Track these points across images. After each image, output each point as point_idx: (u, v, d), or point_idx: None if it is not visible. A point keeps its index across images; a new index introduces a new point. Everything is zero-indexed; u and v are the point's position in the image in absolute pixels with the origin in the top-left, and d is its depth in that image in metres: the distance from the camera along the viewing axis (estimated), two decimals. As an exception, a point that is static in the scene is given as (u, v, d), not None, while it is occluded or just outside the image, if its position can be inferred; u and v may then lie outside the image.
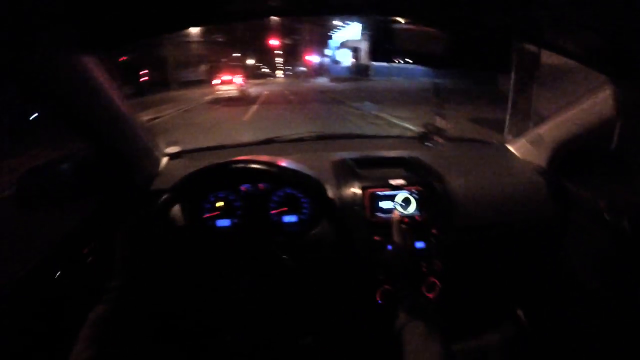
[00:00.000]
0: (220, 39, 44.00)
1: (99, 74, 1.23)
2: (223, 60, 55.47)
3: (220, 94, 22.34)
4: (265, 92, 26.27)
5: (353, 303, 1.58)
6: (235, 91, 22.79)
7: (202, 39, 42.41)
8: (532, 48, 5.38)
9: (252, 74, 67.05)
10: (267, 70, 74.01)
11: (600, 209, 1.48)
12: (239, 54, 60.47)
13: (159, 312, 1.50)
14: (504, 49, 1.28)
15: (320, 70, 53.58)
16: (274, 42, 43.79)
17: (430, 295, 1.42)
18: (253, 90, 28.20)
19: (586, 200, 1.57)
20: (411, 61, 1.32)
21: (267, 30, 45.98)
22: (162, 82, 31.28)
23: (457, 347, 1.69)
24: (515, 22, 1.12)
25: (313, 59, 48.19)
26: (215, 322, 1.64)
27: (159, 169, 1.71)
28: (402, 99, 15.98)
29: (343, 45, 44.59)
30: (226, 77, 24.29)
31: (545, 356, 1.71)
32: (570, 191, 1.64)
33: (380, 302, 1.36)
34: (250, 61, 67.26)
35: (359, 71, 39.37)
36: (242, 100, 21.09)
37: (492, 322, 1.80)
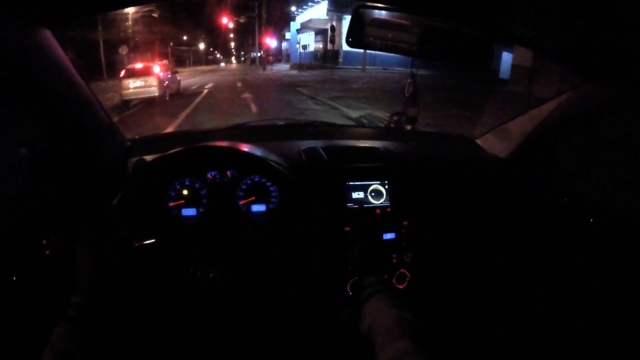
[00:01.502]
0: (158, 16, 36.66)
1: (57, 50, 1.15)
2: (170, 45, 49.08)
3: (128, 94, 13.69)
4: (208, 87, 19.12)
5: (323, 294, 1.49)
6: (152, 89, 13.79)
7: (139, 16, 34.83)
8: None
9: (200, 60, 60.73)
10: (219, 56, 67.32)
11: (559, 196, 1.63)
12: (185, 37, 53.52)
13: (128, 310, 1.38)
14: (483, 44, 1.22)
15: (279, 56, 46.58)
16: (225, 20, 36.34)
17: (401, 287, 1.52)
18: (193, 83, 21.55)
19: (545, 187, 1.70)
20: (389, 50, 1.27)
21: (219, 8, 38.70)
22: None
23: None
24: (492, 17, 1.13)
25: (272, 42, 41.15)
26: (184, 317, 1.47)
27: (122, 153, 1.60)
28: (385, 97, 12.90)
29: (305, 26, 38.37)
30: (138, 66, 15.35)
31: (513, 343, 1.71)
32: (530, 180, 1.73)
33: (350, 293, 1.43)
34: (201, 45, 60.77)
35: (325, 58, 33.93)
36: (160, 106, 13.32)
37: (462, 311, 1.76)
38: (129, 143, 1.67)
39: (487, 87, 12.94)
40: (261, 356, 1.57)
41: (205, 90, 17.27)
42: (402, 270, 1.52)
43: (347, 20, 27.00)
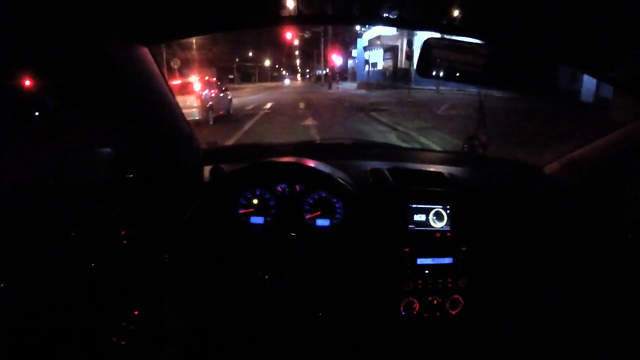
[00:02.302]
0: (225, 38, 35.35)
1: (151, 64, 1.31)
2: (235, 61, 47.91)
3: None
4: (266, 108, 16.45)
5: (377, 311, 1.53)
6: (192, 110, 10.78)
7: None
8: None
9: (265, 76, 59.44)
10: (284, 73, 65.87)
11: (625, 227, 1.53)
12: (251, 54, 52.19)
13: (200, 311, 1.53)
14: (549, 71, 1.24)
15: (345, 74, 43.87)
16: (289, 36, 34.11)
17: (453, 312, 1.49)
18: (251, 101, 18.96)
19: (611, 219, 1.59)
20: (456, 80, 1.27)
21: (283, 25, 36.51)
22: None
23: None
24: (561, 46, 1.14)
25: (337, 60, 38.50)
26: (243, 317, 1.57)
27: (198, 160, 1.73)
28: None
29: (373, 43, 35.26)
30: (175, 82, 12.51)
31: None
32: (597, 209, 1.64)
33: (403, 313, 1.44)
34: (266, 62, 59.49)
35: (396, 76, 30.85)
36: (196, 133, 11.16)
37: (512, 343, 1.69)
38: (203, 151, 1.78)
39: (573, 114, 10.72)
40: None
41: (261, 113, 14.53)
42: (456, 295, 1.50)
43: (417, 36, 24.23)
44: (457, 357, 1.61)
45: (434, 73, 1.26)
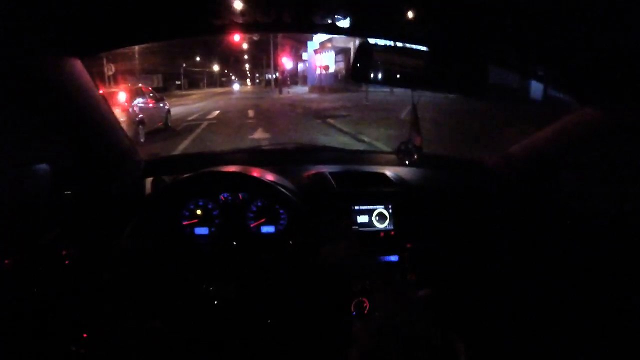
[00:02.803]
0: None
1: (85, 78, 1.29)
2: (182, 67, 45.78)
3: None
4: (211, 117, 14.67)
5: (327, 313, 1.48)
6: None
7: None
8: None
9: (214, 82, 57.51)
10: (233, 78, 63.99)
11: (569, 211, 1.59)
12: (198, 59, 50.11)
13: (142, 327, 1.42)
14: (481, 73, 1.23)
15: (295, 77, 42.42)
16: (237, 38, 32.41)
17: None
18: (195, 110, 17.23)
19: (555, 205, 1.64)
20: (391, 84, 1.32)
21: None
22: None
23: None
24: (492, 46, 1.19)
25: (287, 63, 37.03)
26: (191, 330, 1.49)
27: (140, 173, 1.70)
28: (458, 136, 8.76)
29: (325, 45, 34.21)
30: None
31: None
32: (536, 197, 1.69)
33: (354, 313, 1.35)
34: (215, 67, 57.50)
35: (347, 79, 28.59)
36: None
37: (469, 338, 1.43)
38: (144, 163, 1.75)
39: (520, 113, 9.33)
40: None
41: (205, 124, 12.74)
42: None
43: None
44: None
45: (371, 76, 1.23)
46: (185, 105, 20.61)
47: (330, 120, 12.32)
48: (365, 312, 1.32)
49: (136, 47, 30.60)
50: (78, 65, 1.25)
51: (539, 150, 1.66)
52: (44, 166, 1.34)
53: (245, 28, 1.36)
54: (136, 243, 1.36)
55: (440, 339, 0.95)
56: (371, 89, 24.46)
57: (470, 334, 1.47)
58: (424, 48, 1.27)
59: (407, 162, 1.88)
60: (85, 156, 1.42)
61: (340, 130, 10.64)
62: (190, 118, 14.25)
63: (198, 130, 11.39)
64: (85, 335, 1.28)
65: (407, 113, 12.11)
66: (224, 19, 1.24)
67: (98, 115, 1.39)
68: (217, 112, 16.25)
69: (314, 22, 1.31)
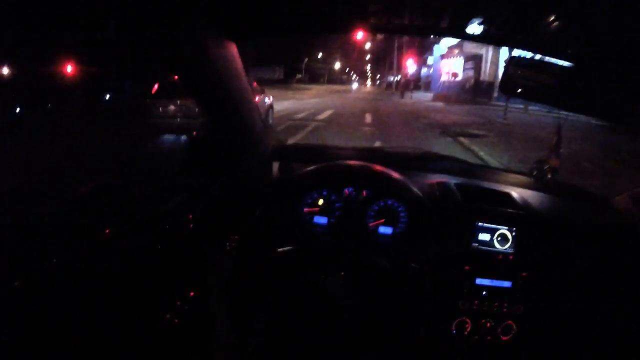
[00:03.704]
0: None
1: (237, 59, 1.33)
2: (304, 60, 45.52)
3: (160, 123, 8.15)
4: (322, 117, 13.14)
5: (428, 326, 1.51)
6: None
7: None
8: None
9: (334, 79, 56.81)
10: (354, 77, 62.73)
11: None
12: (320, 55, 49.52)
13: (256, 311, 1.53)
14: (635, 99, 1.09)
15: (417, 82, 39.59)
16: (360, 36, 30.59)
17: (504, 338, 1.45)
18: (307, 107, 15.58)
19: None
20: (538, 101, 1.25)
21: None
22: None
23: None
24: None
25: (411, 67, 34.40)
26: (294, 314, 1.56)
27: (268, 156, 1.74)
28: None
29: (453, 50, 30.76)
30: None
31: None
32: None
33: (454, 332, 1.42)
34: (336, 65, 56.71)
35: (477, 90, 25.99)
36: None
37: None
38: (272, 148, 1.77)
39: None
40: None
41: (311, 126, 10.92)
42: (509, 321, 1.45)
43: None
44: None
45: (518, 91, 1.19)
46: (299, 100, 19.32)
47: (463, 140, 9.83)
48: (466, 332, 1.41)
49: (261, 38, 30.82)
50: (233, 48, 1.29)
51: None
52: (183, 137, 1.51)
53: (376, 29, 1.40)
54: (260, 220, 1.39)
55: None
56: (501, 102, 21.24)
57: None
58: (568, 64, 1.13)
59: (539, 183, 1.79)
60: (224, 134, 1.43)
61: (477, 155, 8.15)
62: (298, 116, 12.63)
63: (301, 135, 9.64)
64: (192, 294, 1.30)
65: (566, 144, 9.34)
66: (361, 20, 1.28)
67: (242, 98, 1.39)
68: (330, 112, 14.48)
69: (446, 26, 1.27)
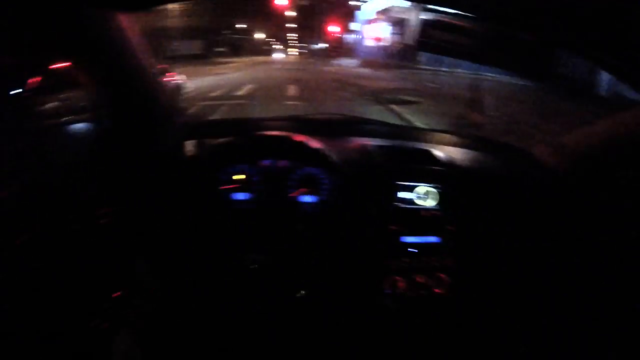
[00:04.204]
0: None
1: (133, 34, 1.21)
2: (225, 32, 43.25)
3: None
4: (239, 93, 11.54)
5: (360, 289, 1.50)
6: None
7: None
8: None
9: (257, 50, 55.02)
10: (277, 47, 60.99)
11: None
12: (241, 26, 47.33)
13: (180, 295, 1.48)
14: (546, 55, 1.17)
15: (344, 49, 38.65)
16: (283, 1, 29.17)
17: (438, 291, 1.46)
18: (224, 83, 14.21)
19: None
20: (453, 55, 1.24)
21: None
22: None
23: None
24: (562, 30, 1.06)
25: (336, 33, 33.38)
26: (222, 294, 1.51)
27: (182, 135, 1.60)
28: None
29: (379, 15, 30.18)
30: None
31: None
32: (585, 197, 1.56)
33: (388, 291, 1.42)
34: (257, 35, 54.68)
35: (403, 54, 25.32)
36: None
37: (502, 326, 1.65)
38: (188, 125, 1.67)
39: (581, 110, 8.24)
40: (296, 340, 1.51)
41: (229, 104, 9.50)
42: (442, 275, 1.47)
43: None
44: (441, 336, 1.54)
45: (435, 48, 1.20)
46: (218, 75, 17.63)
47: (395, 108, 8.96)
48: (399, 290, 1.41)
49: (176, 11, 28.88)
50: (125, 21, 1.17)
51: (593, 141, 1.49)
52: (86, 125, 1.32)
53: None
54: (175, 205, 1.32)
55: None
56: (427, 66, 20.84)
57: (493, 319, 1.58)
58: (488, 21, 1.14)
59: (461, 139, 1.81)
60: (128, 116, 1.32)
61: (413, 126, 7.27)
62: (213, 94, 11.08)
63: (214, 116, 8.20)
64: (117, 293, 1.25)
65: (493, 104, 8.93)
66: None
67: (141, 73, 1.27)
68: (250, 86, 13.03)
69: None
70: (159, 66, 6.59)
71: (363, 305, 1.50)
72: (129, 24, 1.18)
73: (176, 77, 9.18)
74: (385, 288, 1.41)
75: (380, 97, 10.57)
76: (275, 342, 1.49)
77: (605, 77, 12.40)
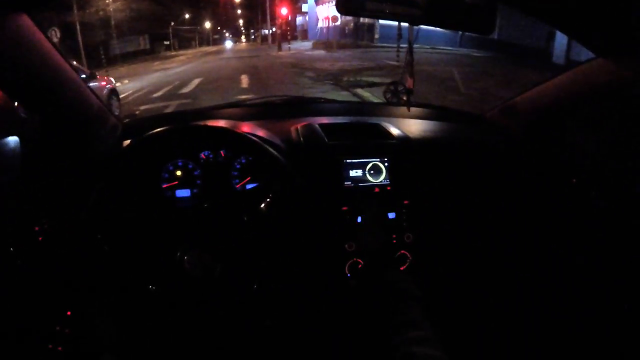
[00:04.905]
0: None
1: (36, 34, 1.05)
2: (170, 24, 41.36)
3: None
4: (185, 91, 10.13)
5: (320, 275, 1.41)
6: None
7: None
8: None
9: (207, 40, 53.21)
10: (227, 35, 59.35)
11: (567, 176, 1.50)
12: (188, 16, 45.41)
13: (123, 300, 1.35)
14: (487, 10, 1.11)
15: (294, 32, 37.51)
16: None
17: (401, 269, 1.40)
18: (170, 80, 13.20)
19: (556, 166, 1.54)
20: (384, 17, 1.12)
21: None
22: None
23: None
24: None
25: (285, 15, 32.18)
26: (174, 304, 1.34)
27: (116, 136, 1.47)
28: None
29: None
30: None
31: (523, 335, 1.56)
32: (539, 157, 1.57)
33: (348, 275, 1.34)
34: (206, 24, 52.78)
35: (358, 33, 25.82)
36: None
37: (462, 297, 1.62)
38: (123, 126, 1.55)
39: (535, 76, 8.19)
40: (253, 346, 1.44)
41: (175, 104, 8.31)
42: (402, 251, 1.37)
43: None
44: (407, 312, 1.36)
45: (363, 7, 1.06)
46: (165, 71, 16.24)
47: (360, 92, 8.04)
48: (360, 272, 1.32)
49: (117, 8, 27.03)
50: (25, 21, 1.01)
51: (544, 102, 1.48)
52: (13, 139, 1.23)
53: None
54: (116, 211, 1.20)
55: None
56: (384, 44, 20.06)
57: (459, 296, 1.55)
58: None
59: (395, 103, 1.74)
60: (54, 125, 1.23)
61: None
62: (156, 95, 9.78)
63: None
64: (69, 313, 1.23)
65: (462, 80, 8.28)
66: None
67: (58, 78, 1.15)
68: (199, 80, 11.75)
69: None
70: (87, 71, 5.41)
71: (326, 290, 1.42)
72: (30, 25, 1.01)
73: (111, 81, 7.90)
74: (346, 272, 1.32)
75: (340, 80, 9.65)
76: (236, 341, 1.40)
77: (559, 43, 12.77)
